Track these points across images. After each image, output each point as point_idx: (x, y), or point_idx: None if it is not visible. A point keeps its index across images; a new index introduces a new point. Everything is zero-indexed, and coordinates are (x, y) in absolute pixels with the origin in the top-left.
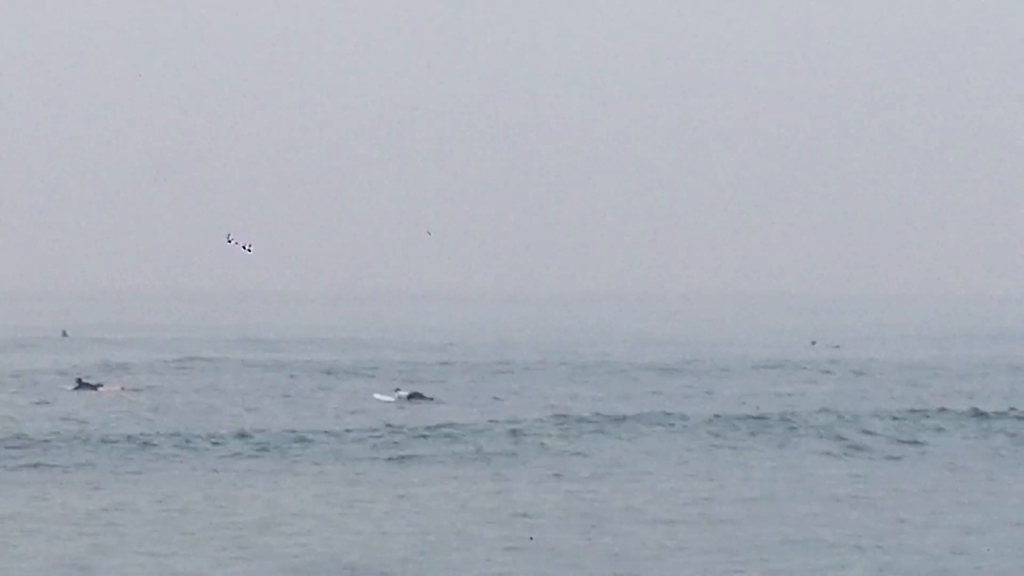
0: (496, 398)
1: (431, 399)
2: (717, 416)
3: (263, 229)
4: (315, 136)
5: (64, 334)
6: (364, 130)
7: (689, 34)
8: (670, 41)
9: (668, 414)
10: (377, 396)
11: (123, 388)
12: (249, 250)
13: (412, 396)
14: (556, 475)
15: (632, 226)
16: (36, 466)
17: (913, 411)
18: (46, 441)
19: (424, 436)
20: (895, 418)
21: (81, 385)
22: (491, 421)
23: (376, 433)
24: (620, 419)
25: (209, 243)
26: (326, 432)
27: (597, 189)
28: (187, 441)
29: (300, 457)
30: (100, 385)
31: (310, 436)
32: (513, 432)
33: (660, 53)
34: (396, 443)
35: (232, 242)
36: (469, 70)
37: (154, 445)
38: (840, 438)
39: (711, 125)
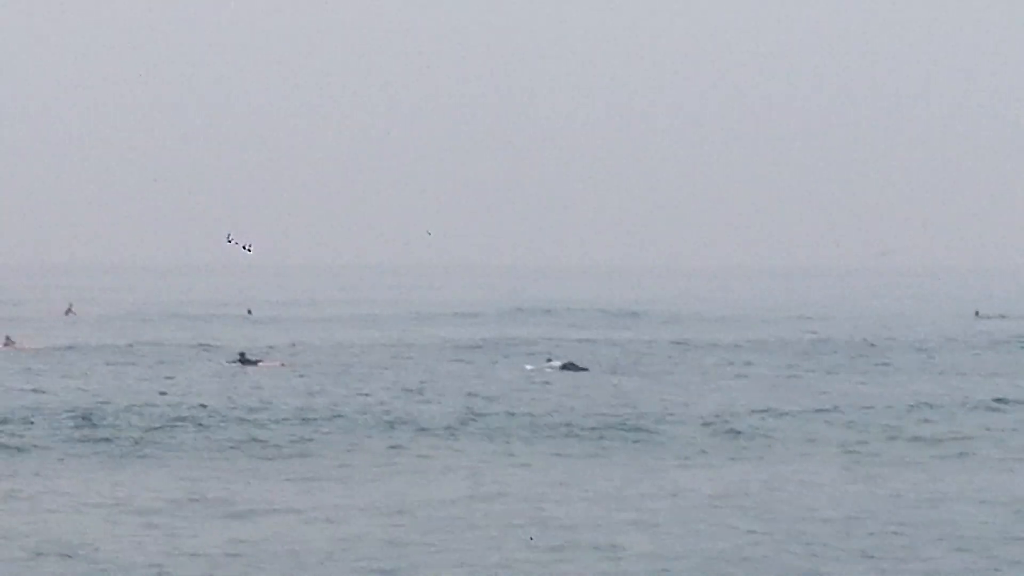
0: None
1: (585, 369)
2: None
3: (438, 205)
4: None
5: (249, 312)
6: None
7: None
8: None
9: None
10: (528, 367)
11: (282, 364)
12: (249, 250)
13: (565, 366)
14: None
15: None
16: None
17: None
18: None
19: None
20: None
21: (244, 361)
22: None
23: (543, 408)
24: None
25: (384, 219)
26: (495, 409)
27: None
28: (349, 418)
29: (483, 434)
30: (259, 361)
31: (483, 411)
32: (705, 420)
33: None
34: (567, 422)
35: (232, 242)
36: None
37: (314, 421)
38: None
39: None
